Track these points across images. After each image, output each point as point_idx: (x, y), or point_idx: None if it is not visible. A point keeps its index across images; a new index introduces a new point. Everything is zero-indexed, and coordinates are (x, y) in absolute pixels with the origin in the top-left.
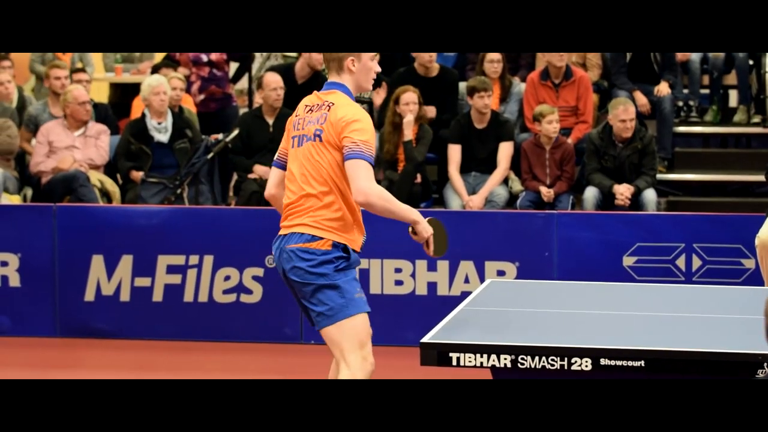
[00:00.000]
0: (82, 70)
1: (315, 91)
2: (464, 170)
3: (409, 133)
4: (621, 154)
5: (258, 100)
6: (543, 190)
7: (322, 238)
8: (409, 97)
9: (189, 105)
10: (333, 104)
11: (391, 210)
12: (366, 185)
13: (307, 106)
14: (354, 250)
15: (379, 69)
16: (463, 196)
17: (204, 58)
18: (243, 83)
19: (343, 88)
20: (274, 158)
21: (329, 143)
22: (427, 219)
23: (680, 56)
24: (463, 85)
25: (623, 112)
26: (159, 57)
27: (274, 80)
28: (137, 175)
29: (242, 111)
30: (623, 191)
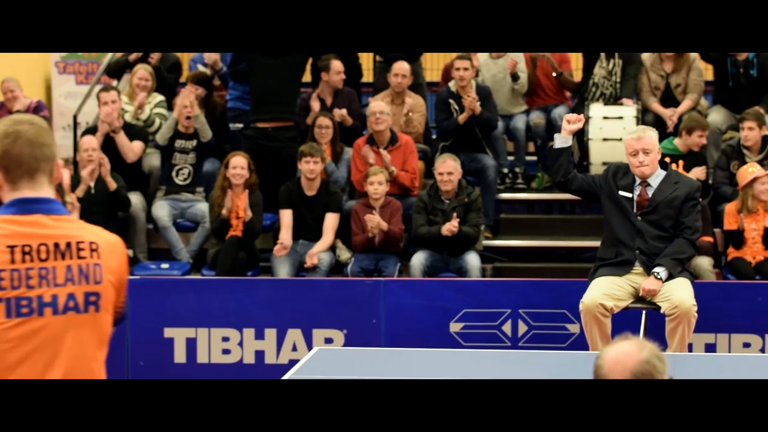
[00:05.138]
0: None
1: (14, 215)
2: (292, 237)
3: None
4: (448, 208)
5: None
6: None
7: None
8: (238, 161)
9: None
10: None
11: None
12: None
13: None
14: None
15: None
16: (284, 238)
17: None
18: (68, 151)
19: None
20: None
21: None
22: None
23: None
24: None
25: (441, 165)
26: None
27: (86, 141)
28: None
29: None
30: (449, 227)
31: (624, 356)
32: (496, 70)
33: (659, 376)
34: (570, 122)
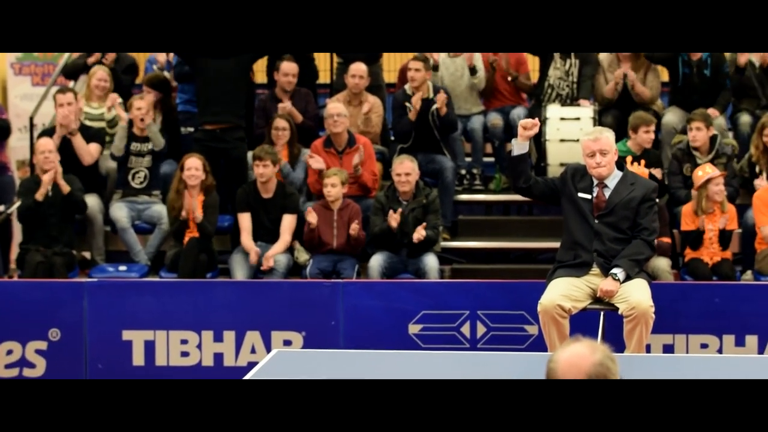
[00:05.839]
0: None
1: None
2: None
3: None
4: (405, 209)
5: None
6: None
7: None
8: (193, 163)
9: None
10: None
11: None
12: None
13: None
14: None
15: None
16: (251, 253)
17: None
18: (25, 153)
19: None
20: None
21: None
22: None
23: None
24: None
25: (398, 167)
26: None
27: (43, 143)
28: None
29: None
30: (417, 236)
31: (578, 358)
32: (454, 68)
33: (612, 377)
34: (526, 128)
